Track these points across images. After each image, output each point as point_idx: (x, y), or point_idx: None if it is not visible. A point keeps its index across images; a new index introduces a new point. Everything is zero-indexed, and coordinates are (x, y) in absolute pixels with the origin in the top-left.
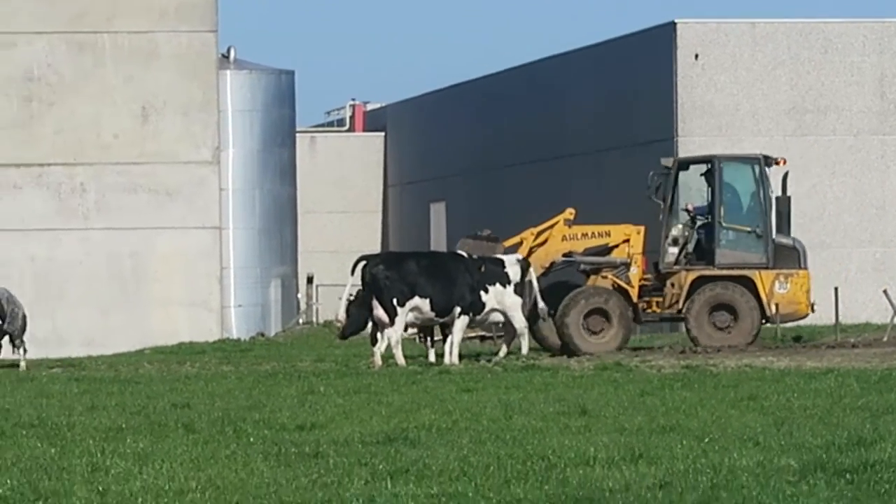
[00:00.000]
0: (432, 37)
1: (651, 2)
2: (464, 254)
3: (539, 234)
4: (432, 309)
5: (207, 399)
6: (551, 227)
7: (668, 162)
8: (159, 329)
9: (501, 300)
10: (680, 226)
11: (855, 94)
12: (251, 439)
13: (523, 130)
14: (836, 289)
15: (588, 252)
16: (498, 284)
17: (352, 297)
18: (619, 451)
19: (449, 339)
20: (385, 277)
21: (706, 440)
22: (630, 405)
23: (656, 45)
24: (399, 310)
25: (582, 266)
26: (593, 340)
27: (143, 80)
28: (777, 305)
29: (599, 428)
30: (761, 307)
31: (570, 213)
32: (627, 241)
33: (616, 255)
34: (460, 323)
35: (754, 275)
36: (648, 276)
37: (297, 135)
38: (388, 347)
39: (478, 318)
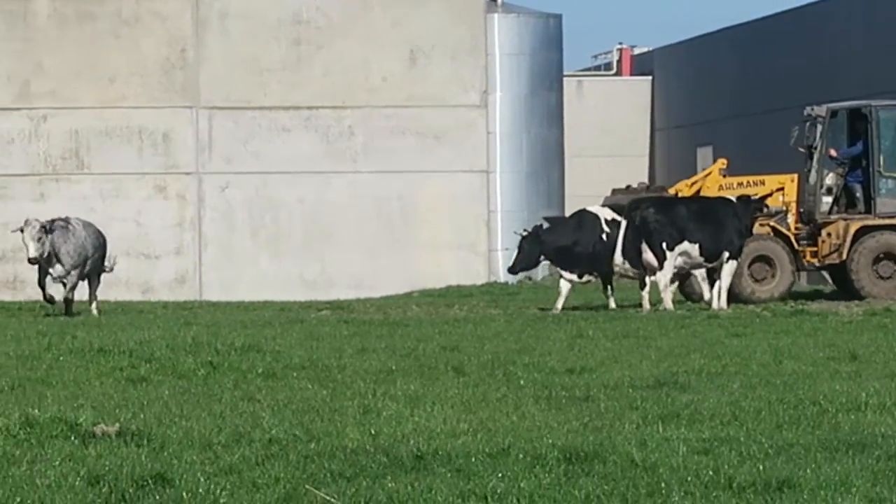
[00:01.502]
0: None
1: None
2: (732, 199)
3: (693, 184)
4: (701, 254)
5: (476, 342)
6: (705, 177)
7: (820, 110)
8: (427, 272)
9: None
10: (833, 174)
11: None
12: (521, 382)
13: (793, 75)
14: None
15: None
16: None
17: (525, 233)
18: (890, 396)
19: (717, 284)
20: (655, 221)
21: None
22: None
23: None
24: (668, 254)
25: None
26: (758, 288)
27: (410, 23)
28: None
29: (870, 373)
30: None
31: (722, 163)
32: (782, 189)
33: (770, 204)
34: (729, 268)
35: None
36: (799, 224)
37: (565, 79)
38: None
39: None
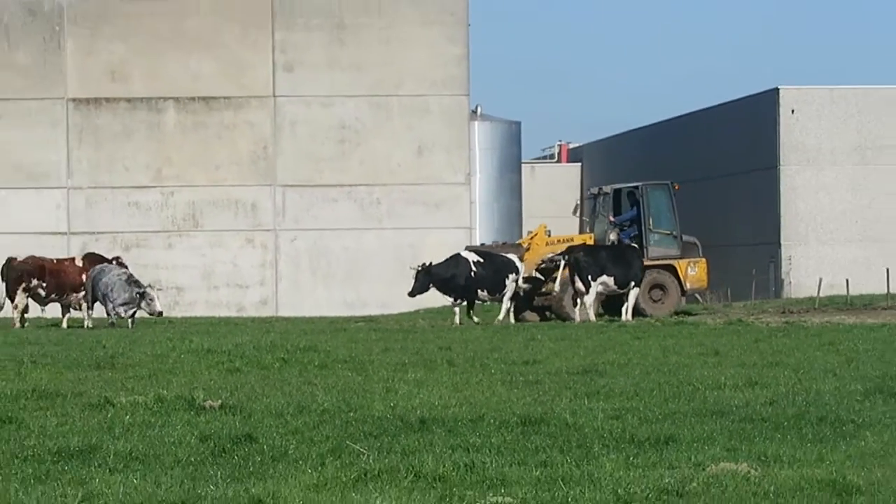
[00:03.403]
0: (617, 93)
1: (757, 72)
2: (636, 246)
3: (523, 242)
4: (615, 283)
5: (463, 344)
6: (532, 237)
7: (607, 189)
8: (430, 296)
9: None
10: (614, 233)
11: None
12: (493, 371)
13: (678, 161)
14: (887, 269)
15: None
16: (513, 275)
17: (421, 267)
18: (741, 379)
19: (625, 305)
20: (584, 261)
21: (800, 372)
22: (748, 348)
23: (765, 103)
24: (592, 283)
25: (554, 262)
26: (573, 312)
27: (419, 128)
28: (689, 282)
29: (727, 363)
30: (680, 285)
31: (544, 226)
32: (585, 243)
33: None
34: (634, 293)
35: (676, 263)
36: None
37: (522, 165)
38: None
39: (499, 294)
